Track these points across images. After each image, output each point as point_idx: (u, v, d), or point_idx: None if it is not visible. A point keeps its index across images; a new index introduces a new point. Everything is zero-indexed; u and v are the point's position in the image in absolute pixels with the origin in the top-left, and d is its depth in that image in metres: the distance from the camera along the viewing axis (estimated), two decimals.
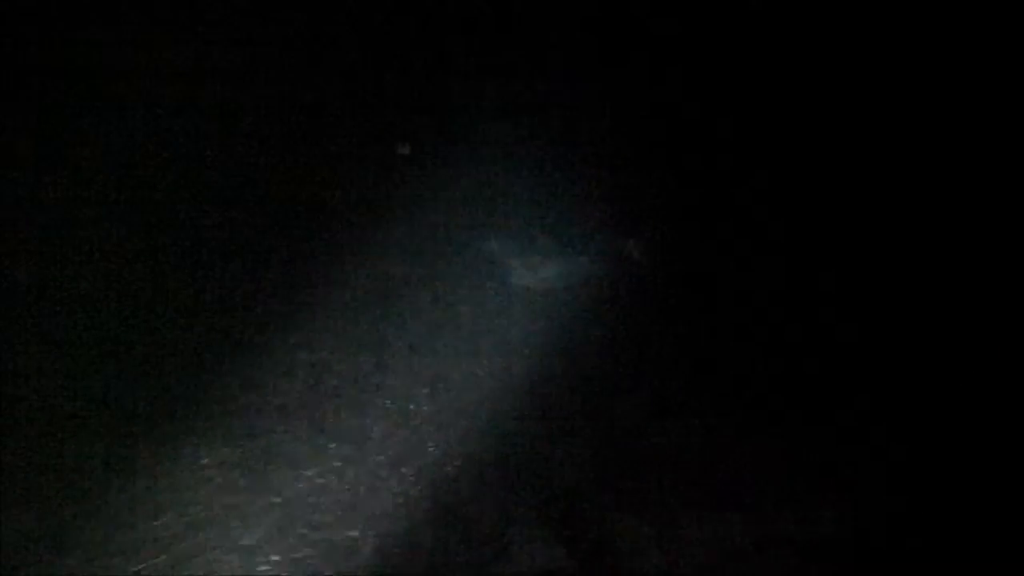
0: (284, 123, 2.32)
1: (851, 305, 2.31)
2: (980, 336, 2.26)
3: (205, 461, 2.07)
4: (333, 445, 2.12)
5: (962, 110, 2.35)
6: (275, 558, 1.95)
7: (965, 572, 2.10)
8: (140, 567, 1.93)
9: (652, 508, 2.12)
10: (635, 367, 2.24)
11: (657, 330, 2.28)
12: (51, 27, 2.26)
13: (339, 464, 2.10)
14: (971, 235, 2.33)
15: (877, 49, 2.39)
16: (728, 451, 2.19)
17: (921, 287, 2.29)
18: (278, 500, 2.03)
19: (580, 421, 2.20)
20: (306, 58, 2.34)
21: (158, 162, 2.26)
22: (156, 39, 2.28)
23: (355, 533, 2.02)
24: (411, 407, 2.18)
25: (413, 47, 2.38)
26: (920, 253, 2.31)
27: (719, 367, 2.26)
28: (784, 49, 2.41)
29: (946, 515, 2.13)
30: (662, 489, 2.14)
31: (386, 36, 2.37)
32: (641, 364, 2.24)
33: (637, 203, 2.36)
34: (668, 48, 2.39)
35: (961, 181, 2.35)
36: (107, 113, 2.26)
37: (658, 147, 2.37)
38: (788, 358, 2.27)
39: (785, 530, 2.11)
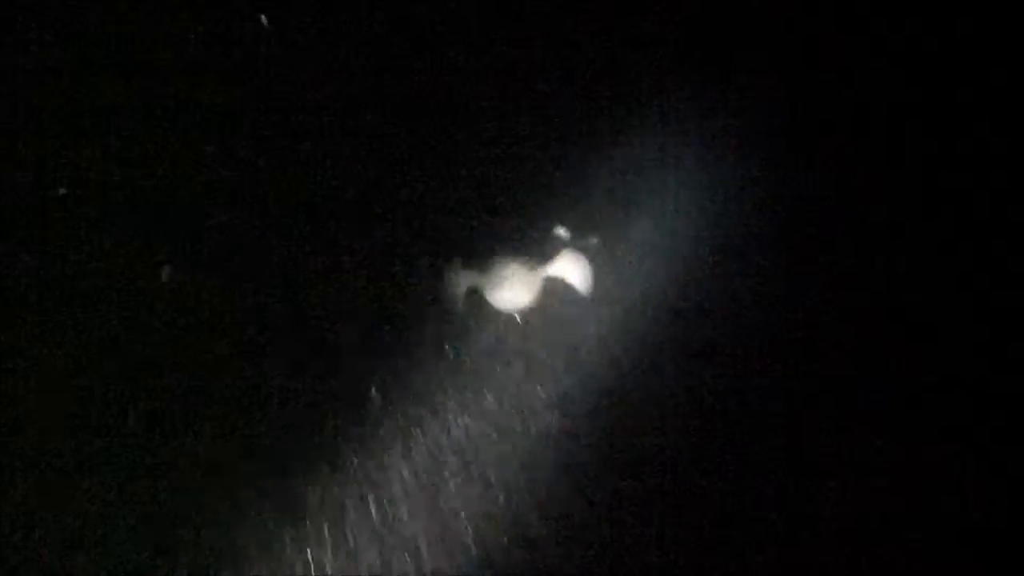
0: (284, 123, 2.31)
1: (852, 306, 2.30)
2: (979, 337, 2.26)
3: (204, 462, 2.07)
4: (333, 447, 2.12)
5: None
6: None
7: (965, 571, 2.11)
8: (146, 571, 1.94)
9: (652, 507, 2.12)
10: (634, 368, 2.24)
11: (657, 331, 2.27)
12: (50, 26, 2.25)
13: (340, 465, 2.10)
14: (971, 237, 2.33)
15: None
16: (727, 451, 2.19)
17: (922, 289, 2.29)
18: (276, 502, 2.04)
19: (578, 421, 2.20)
20: (306, 58, 2.33)
21: (158, 162, 2.25)
22: (156, 39, 2.27)
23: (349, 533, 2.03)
24: (410, 406, 2.18)
25: (413, 47, 2.37)
26: (922, 258, 2.30)
27: (719, 367, 2.26)
28: (786, 43, 2.41)
29: (946, 515, 2.13)
30: (662, 488, 2.15)
31: (386, 36, 2.37)
32: (640, 364, 2.24)
33: (635, 205, 2.36)
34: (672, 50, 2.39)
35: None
36: (107, 113, 2.25)
37: (662, 149, 2.37)
38: (788, 358, 2.27)
39: (785, 530, 2.12)
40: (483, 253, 2.24)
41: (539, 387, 2.22)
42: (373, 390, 2.17)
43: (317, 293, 2.22)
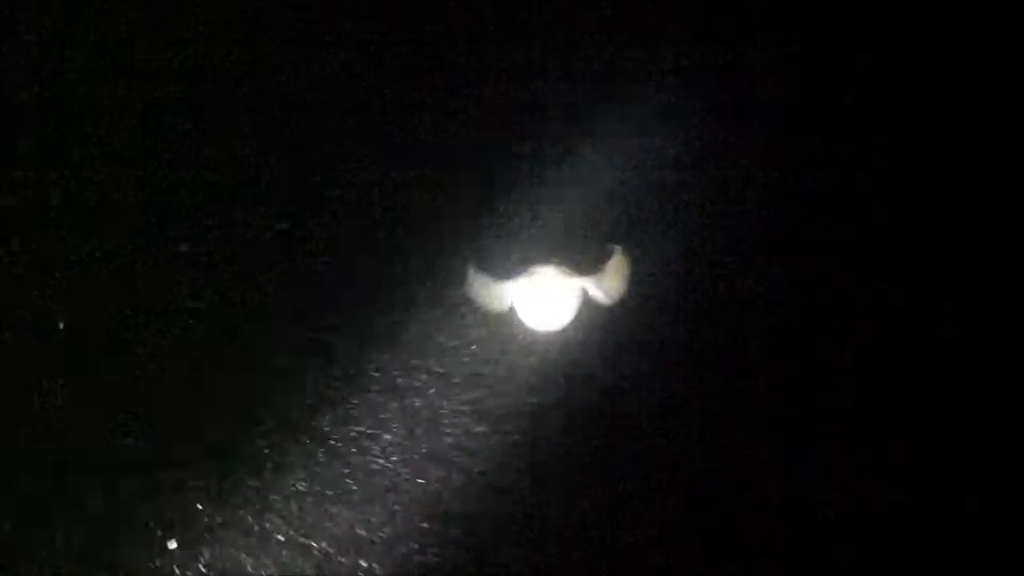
0: (284, 123, 2.31)
1: (852, 306, 2.30)
2: (978, 338, 2.26)
3: (204, 463, 2.07)
4: (333, 450, 2.13)
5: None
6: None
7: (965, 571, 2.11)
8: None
9: (652, 507, 2.13)
10: (635, 367, 2.24)
11: (657, 330, 2.27)
12: (50, 26, 2.25)
13: (334, 468, 2.10)
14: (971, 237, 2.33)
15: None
16: (727, 451, 2.19)
17: (922, 289, 2.29)
18: (277, 503, 2.04)
19: (578, 421, 2.20)
20: (306, 58, 2.33)
21: (158, 162, 2.25)
22: (156, 39, 2.27)
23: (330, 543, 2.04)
24: (410, 402, 2.18)
25: (413, 47, 2.37)
26: (922, 258, 2.30)
27: (719, 367, 2.26)
28: (791, 43, 2.41)
29: (946, 515, 2.14)
30: (662, 488, 2.15)
31: (386, 36, 2.36)
32: (641, 364, 2.24)
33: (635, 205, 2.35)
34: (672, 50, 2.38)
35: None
36: (107, 113, 2.25)
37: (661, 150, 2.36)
38: (788, 357, 2.27)
39: (785, 530, 2.12)
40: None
41: (540, 388, 2.22)
42: (376, 391, 2.17)
43: (317, 293, 2.22)
